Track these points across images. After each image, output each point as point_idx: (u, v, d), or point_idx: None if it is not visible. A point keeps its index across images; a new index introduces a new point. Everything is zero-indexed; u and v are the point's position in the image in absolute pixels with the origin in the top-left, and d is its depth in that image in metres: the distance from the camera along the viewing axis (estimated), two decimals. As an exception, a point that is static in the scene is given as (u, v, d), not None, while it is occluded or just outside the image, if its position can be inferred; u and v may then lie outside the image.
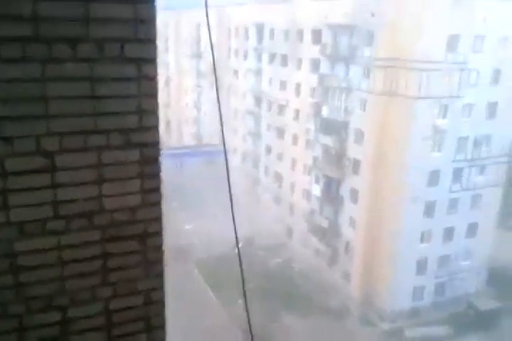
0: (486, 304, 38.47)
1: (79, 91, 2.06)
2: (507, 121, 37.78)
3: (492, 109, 37.40)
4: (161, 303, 2.39)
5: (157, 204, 2.30)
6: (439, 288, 39.61)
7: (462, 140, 36.81)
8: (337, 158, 40.92)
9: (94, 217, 2.18)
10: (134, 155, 2.21)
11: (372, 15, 36.00)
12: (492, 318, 36.88)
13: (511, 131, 38.62)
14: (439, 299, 39.37)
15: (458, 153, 36.98)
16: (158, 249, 2.34)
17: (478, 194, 38.86)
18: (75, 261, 2.18)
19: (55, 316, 2.18)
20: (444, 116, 35.71)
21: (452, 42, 34.23)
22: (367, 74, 37.32)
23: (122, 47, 2.10)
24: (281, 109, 48.27)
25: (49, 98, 2.02)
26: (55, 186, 2.09)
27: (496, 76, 36.76)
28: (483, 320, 36.57)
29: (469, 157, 37.54)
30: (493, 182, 39.22)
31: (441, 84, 34.66)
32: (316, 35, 42.06)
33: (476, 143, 37.54)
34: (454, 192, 37.57)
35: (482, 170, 38.69)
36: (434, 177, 36.56)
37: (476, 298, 39.33)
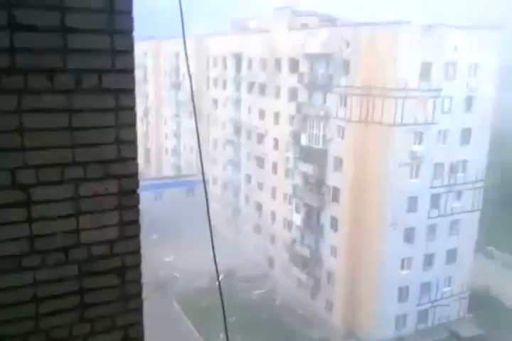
0: (469, 331, 38.44)
1: (56, 122, 2.03)
2: (481, 147, 38.69)
3: (466, 135, 38.26)
4: (140, 339, 2.31)
5: (135, 236, 2.25)
6: (422, 316, 39.43)
7: (438, 166, 37.43)
8: (317, 186, 41.10)
9: (71, 251, 2.12)
10: (112, 186, 2.17)
11: (348, 44, 36.93)
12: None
13: (484, 157, 39.54)
14: (423, 327, 39.16)
15: (435, 178, 37.54)
16: (137, 282, 2.28)
17: (456, 219, 39.27)
18: (51, 297, 2.10)
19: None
20: (420, 143, 36.35)
21: (425, 70, 35.20)
22: (344, 102, 37.99)
23: (100, 78, 2.09)
24: (261, 137, 48.62)
25: (25, 130, 1.98)
26: (31, 220, 2.03)
27: (469, 102, 37.78)
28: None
29: (446, 183, 38.14)
30: (471, 208, 39.75)
31: (416, 111, 35.46)
32: (294, 65, 42.87)
33: (452, 169, 38.21)
34: (432, 218, 37.92)
35: (459, 195, 39.23)
36: (412, 204, 36.92)
37: (459, 325, 39.24)
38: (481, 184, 40.13)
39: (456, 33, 35.53)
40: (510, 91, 54.87)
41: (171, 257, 48.49)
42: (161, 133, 71.81)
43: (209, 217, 3.37)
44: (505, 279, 44.32)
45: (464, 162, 38.63)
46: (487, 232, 43.48)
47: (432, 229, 38.28)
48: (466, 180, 39.07)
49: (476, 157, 38.71)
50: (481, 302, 40.75)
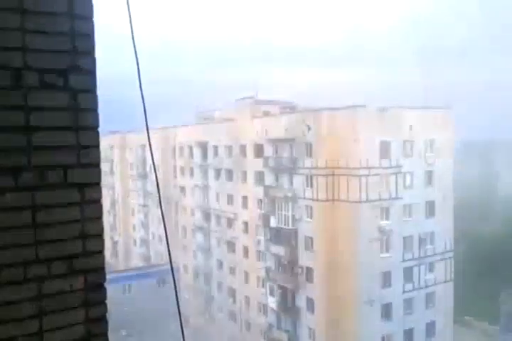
0: None
1: (19, 220, 2.00)
2: (445, 218, 39.58)
3: (430, 208, 39.18)
4: None
5: (103, 334, 2.15)
6: None
7: (407, 239, 37.80)
8: (290, 267, 40.50)
9: None
10: (78, 282, 2.10)
11: (309, 128, 38.47)
12: None
13: (451, 228, 40.32)
14: None
15: (405, 252, 37.69)
16: None
17: (431, 291, 38.99)
18: None
19: None
20: (386, 218, 36.89)
21: (384, 149, 36.68)
22: (310, 183, 38.75)
23: (65, 173, 2.10)
24: (230, 222, 48.42)
25: (-13, 229, 1.94)
26: (-8, 324, 1.92)
27: (429, 177, 39.13)
28: None
29: (417, 255, 38.30)
30: (444, 279, 39.73)
31: (380, 188, 36.40)
32: (259, 150, 44.05)
33: (421, 242, 38.61)
34: (407, 291, 37.54)
35: (431, 267, 39.28)
36: (386, 279, 36.65)
37: None
38: (451, 254, 40.47)
39: (409, 113, 37.72)
40: (468, 162, 57.34)
41: None
42: (129, 225, 70.75)
43: (179, 307, 3.25)
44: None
45: (432, 234, 39.18)
46: (463, 302, 43.04)
47: (408, 303, 37.77)
48: (436, 252, 39.39)
49: (443, 228, 39.41)
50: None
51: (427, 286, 38.78)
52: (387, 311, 36.61)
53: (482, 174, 70.49)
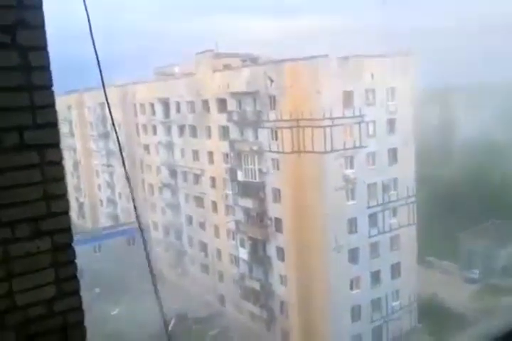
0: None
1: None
2: (408, 164, 40.72)
3: (393, 155, 40.10)
4: None
5: (75, 293, 2.18)
6: (377, 333, 39.95)
7: (372, 186, 38.84)
8: (258, 219, 41.26)
9: (7, 316, 2.02)
10: (45, 243, 2.11)
11: (271, 81, 38.12)
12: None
13: (413, 173, 41.59)
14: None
15: (370, 198, 38.84)
16: (82, 340, 2.19)
17: (395, 235, 40.64)
18: None
19: None
20: (351, 166, 37.64)
21: (347, 98, 36.86)
22: (275, 135, 38.86)
23: (21, 135, 2.06)
24: (197, 178, 48.50)
25: None
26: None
27: (391, 124, 39.76)
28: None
29: (381, 201, 39.56)
30: (407, 222, 41.41)
31: (344, 137, 36.88)
32: (222, 104, 43.56)
33: (385, 188, 39.78)
34: (373, 236, 39.06)
35: (394, 212, 40.74)
36: (352, 225, 37.92)
37: (412, 336, 40.03)
38: (413, 199, 41.96)
39: (370, 61, 37.72)
40: (428, 110, 58.28)
41: (116, 310, 46.48)
42: (94, 185, 70.05)
43: (149, 262, 3.31)
44: (448, 285, 46.09)
45: (395, 180, 40.31)
46: (425, 244, 45.15)
47: (374, 247, 39.36)
48: (399, 197, 40.74)
49: (405, 174, 40.55)
50: (429, 310, 42.01)
51: (391, 230, 40.37)
52: (354, 256, 38.10)
53: (442, 120, 71.98)
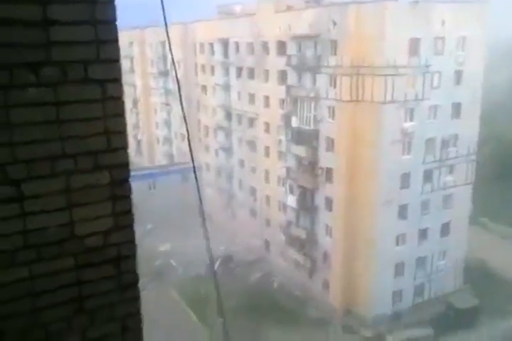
0: (465, 302, 38.86)
1: (43, 116, 2.03)
2: (471, 121, 38.85)
3: (456, 110, 38.35)
4: (138, 329, 2.34)
5: (129, 226, 2.27)
6: (418, 290, 40.00)
7: (430, 141, 37.56)
8: (310, 167, 41.18)
9: (66, 244, 2.13)
10: (104, 177, 2.17)
11: (334, 24, 36.66)
12: (471, 316, 37.38)
13: (476, 131, 39.73)
14: (419, 301, 39.71)
15: (427, 154, 37.69)
16: (133, 272, 2.30)
17: (449, 193, 39.56)
18: (48, 291, 2.11)
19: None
20: (411, 119, 36.40)
21: (414, 46, 35.07)
22: (333, 82, 37.85)
23: (85, 69, 2.08)
24: (252, 122, 48.48)
25: (13, 125, 1.97)
26: (24, 215, 2.03)
27: (458, 77, 37.76)
28: (463, 319, 36.99)
29: (438, 158, 38.32)
30: (463, 181, 40.05)
31: (406, 88, 35.43)
32: (281, 47, 42.55)
33: (444, 144, 38.37)
34: (425, 193, 38.19)
35: (451, 169, 39.47)
36: (405, 180, 37.13)
37: (455, 297, 39.73)
38: (473, 157, 40.39)
39: (442, 7, 35.35)
40: (498, 64, 54.83)
41: (166, 246, 48.62)
42: (152, 123, 71.41)
43: (201, 204, 3.38)
44: (500, 250, 44.93)
45: (456, 136, 38.77)
46: (481, 205, 43.88)
47: (425, 204, 38.59)
48: (458, 154, 39.28)
49: (468, 131, 38.85)
50: (476, 273, 41.36)
51: (445, 188, 39.22)
52: (403, 211, 37.52)
53: (513, 76, 67.66)
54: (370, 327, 37.65)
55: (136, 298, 2.31)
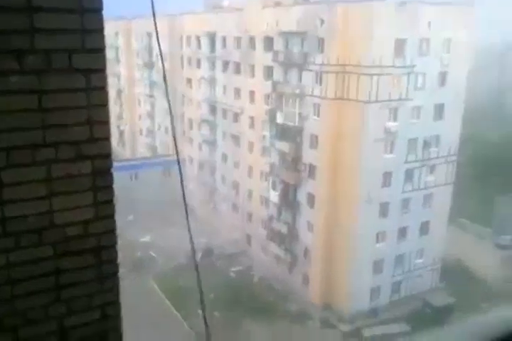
0: (441, 300, 39.72)
1: (26, 104, 2.01)
2: (453, 122, 39.37)
3: (439, 111, 38.80)
4: (116, 317, 2.35)
5: (110, 216, 2.27)
6: (396, 287, 40.54)
7: (412, 141, 37.97)
8: (293, 163, 41.33)
9: (45, 232, 2.12)
10: (86, 167, 2.17)
11: (322, 22, 36.74)
12: (446, 313, 38.04)
13: (458, 132, 40.29)
14: (396, 298, 40.26)
15: (409, 154, 38.12)
16: (113, 262, 2.30)
17: (429, 193, 40.09)
18: (26, 279, 2.11)
19: (7, 338, 2.10)
20: (394, 119, 36.72)
21: (399, 47, 35.33)
22: (319, 80, 37.97)
23: (70, 58, 2.07)
24: (236, 116, 48.43)
25: (-6, 112, 1.96)
26: (2, 202, 2.02)
27: (442, 78, 38.17)
28: (438, 316, 37.65)
29: (420, 157, 38.79)
30: (443, 181, 40.62)
31: (391, 88, 35.72)
32: (268, 43, 42.51)
33: (426, 144, 38.85)
34: (406, 192, 38.67)
35: (432, 169, 39.98)
36: (387, 179, 37.53)
37: (431, 295, 40.45)
38: (454, 158, 40.95)
39: (429, 9, 35.65)
40: (483, 67, 55.55)
41: (147, 237, 48.50)
42: (135, 114, 70.88)
43: (184, 196, 3.39)
44: (476, 250, 45.71)
45: (438, 137, 39.26)
46: (460, 205, 44.49)
47: (406, 203, 39.07)
48: (440, 155, 39.80)
49: (449, 132, 39.36)
50: (452, 272, 42.07)
51: (426, 188, 39.70)
52: (384, 210, 37.92)
53: (498, 79, 68.60)
54: (348, 322, 38.07)
55: (115, 288, 2.32)
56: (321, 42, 37.33)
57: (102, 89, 2.17)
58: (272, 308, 39.58)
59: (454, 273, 41.93)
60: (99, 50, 2.14)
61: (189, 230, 3.38)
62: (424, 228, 40.74)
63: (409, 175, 38.62)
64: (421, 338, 35.97)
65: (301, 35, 38.82)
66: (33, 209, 2.08)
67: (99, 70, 2.15)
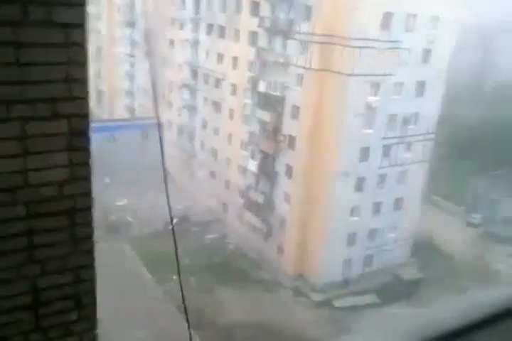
0: (410, 274, 41.19)
1: (1, 57, 1.92)
2: (433, 100, 39.57)
3: (420, 88, 38.87)
4: (91, 281, 2.34)
5: (86, 178, 2.22)
6: (368, 260, 41.49)
7: (392, 117, 38.13)
8: (273, 133, 41.23)
9: (19, 191, 2.07)
10: (62, 126, 2.10)
11: (311, -11, 36.03)
12: (414, 287, 39.35)
13: (437, 110, 40.56)
14: (368, 270, 41.30)
15: (388, 130, 38.33)
16: (88, 225, 2.27)
17: (404, 170, 40.65)
18: None
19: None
20: (375, 94, 36.71)
21: (386, 21, 34.99)
22: (304, 49, 37.52)
23: (49, 11, 1.97)
24: (218, 82, 47.76)
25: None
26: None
27: (426, 55, 38.09)
28: (407, 289, 38.92)
29: (398, 134, 39.07)
30: (420, 159, 41.15)
31: (374, 62, 35.52)
32: (255, 7, 41.63)
33: (405, 121, 39.07)
34: (383, 167, 39.10)
35: (409, 146, 40.38)
36: (365, 153, 37.80)
37: (401, 269, 41.71)
38: (432, 136, 41.37)
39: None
40: (469, 47, 55.53)
41: (124, 201, 48.23)
42: (114, 74, 69.21)
43: (163, 161, 3.34)
44: (447, 227, 46.94)
45: (417, 114, 39.48)
46: (434, 183, 45.29)
47: (382, 179, 39.55)
48: (418, 132, 40.14)
49: (429, 110, 39.60)
50: (423, 248, 43.25)
51: (402, 164, 40.21)
52: (360, 184, 38.38)
53: (482, 59, 68.75)
54: (320, 292, 39.01)
55: (90, 250, 2.30)
56: (308, 10, 36.70)
57: (82, 45, 2.09)
58: (245, 276, 40.23)
59: (425, 249, 43.13)
60: (80, 5, 2.05)
61: (167, 196, 3.35)
62: (398, 204, 41.48)
63: (386, 151, 38.98)
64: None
65: (288, 1, 38.09)
66: (6, 167, 2.02)
67: (80, 25, 2.06)
